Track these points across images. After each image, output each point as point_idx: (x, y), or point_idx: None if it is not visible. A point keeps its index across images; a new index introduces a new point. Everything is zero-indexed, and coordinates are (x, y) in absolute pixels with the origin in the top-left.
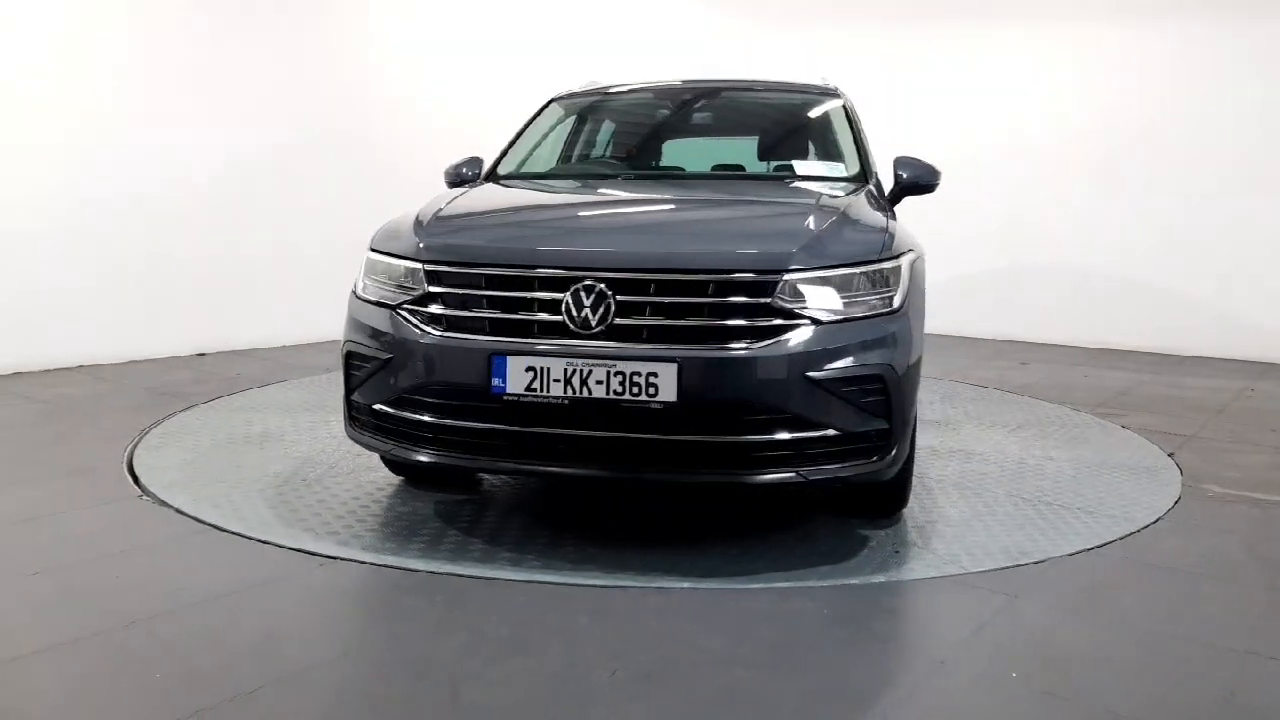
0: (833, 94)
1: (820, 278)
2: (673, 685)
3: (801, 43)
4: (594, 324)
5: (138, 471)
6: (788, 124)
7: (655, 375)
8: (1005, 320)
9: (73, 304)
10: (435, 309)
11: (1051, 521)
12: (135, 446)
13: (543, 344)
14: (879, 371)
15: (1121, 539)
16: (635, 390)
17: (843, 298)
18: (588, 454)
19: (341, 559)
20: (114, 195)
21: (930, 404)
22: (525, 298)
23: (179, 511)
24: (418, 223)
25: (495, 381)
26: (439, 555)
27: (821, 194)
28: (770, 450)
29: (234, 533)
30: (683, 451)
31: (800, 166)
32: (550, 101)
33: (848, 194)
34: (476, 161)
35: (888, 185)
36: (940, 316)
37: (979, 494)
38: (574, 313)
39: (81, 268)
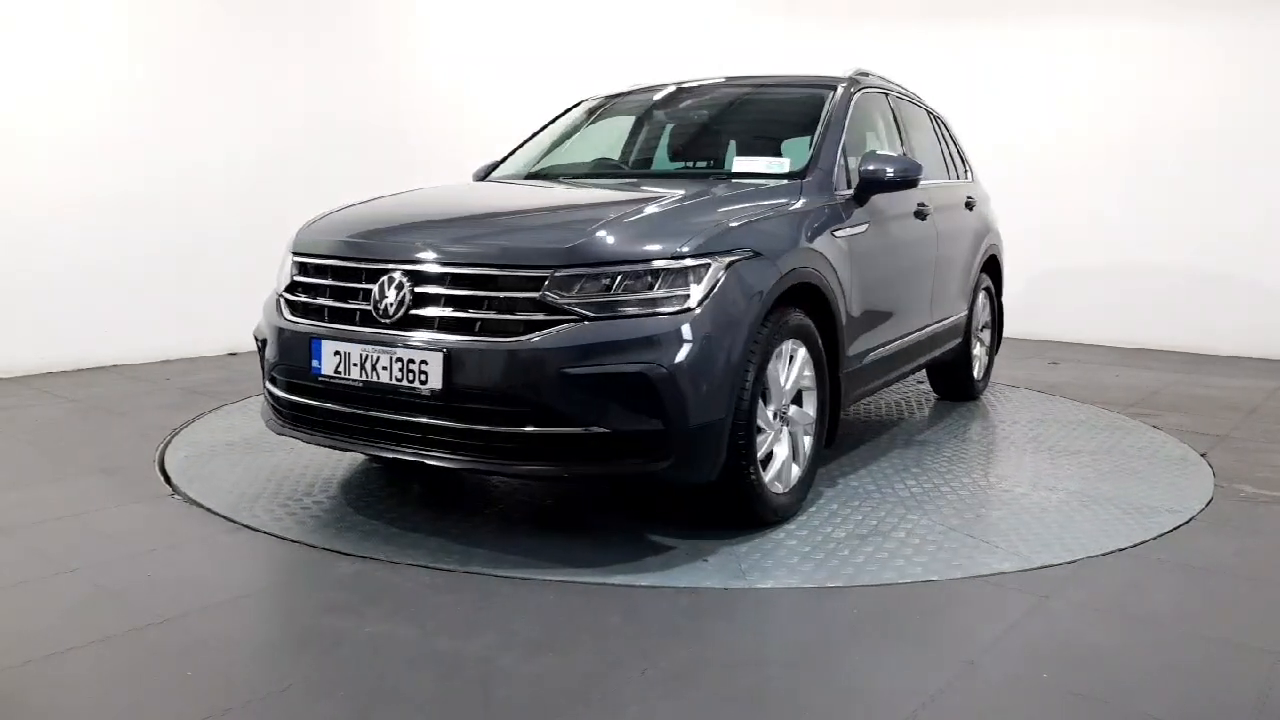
0: (828, 85)
1: (593, 274)
2: (704, 684)
3: (834, 40)
4: (392, 313)
5: (169, 470)
6: (768, 119)
7: (426, 363)
8: (1035, 320)
9: (105, 303)
10: (292, 296)
11: (911, 554)
12: (166, 445)
13: (345, 330)
14: (644, 371)
15: (1155, 539)
16: (410, 377)
17: (616, 295)
18: (379, 435)
19: (371, 557)
20: (145, 195)
21: (1014, 423)
22: (350, 287)
23: (210, 510)
24: (309, 219)
25: (314, 363)
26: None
27: (701, 189)
28: (534, 443)
29: (264, 531)
30: (451, 437)
31: (741, 162)
32: (576, 104)
33: (752, 189)
34: (498, 165)
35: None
36: None
37: (895, 518)
38: (378, 302)
39: (113, 267)
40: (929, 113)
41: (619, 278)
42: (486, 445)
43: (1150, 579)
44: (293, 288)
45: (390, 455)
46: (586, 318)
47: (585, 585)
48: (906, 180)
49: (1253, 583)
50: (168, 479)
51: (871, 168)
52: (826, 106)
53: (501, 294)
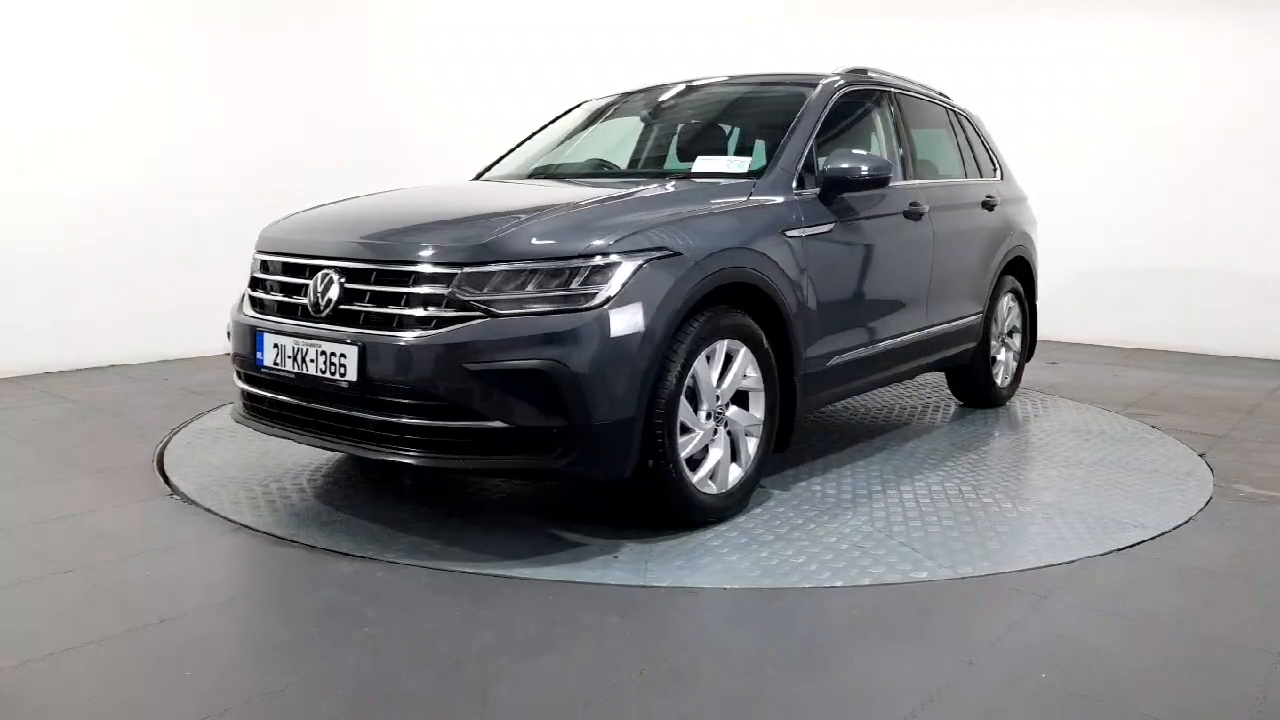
0: (809, 84)
1: (499, 272)
2: (702, 685)
3: (843, 39)
4: (322, 308)
5: (168, 470)
6: (748, 119)
7: (344, 356)
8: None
9: (105, 303)
10: (252, 292)
11: (831, 559)
12: (165, 445)
13: (283, 324)
14: (542, 367)
15: (1153, 539)
16: (332, 369)
17: (522, 293)
18: (308, 424)
19: (369, 558)
20: (145, 195)
21: (1025, 432)
22: (294, 283)
23: (208, 510)
24: (276, 219)
25: (258, 355)
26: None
27: (633, 189)
28: (437, 435)
29: (263, 531)
30: (365, 428)
31: (702, 162)
32: (576, 105)
33: (690, 190)
34: (491, 167)
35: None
36: None
37: (836, 523)
38: (312, 297)
39: (112, 268)
40: (951, 110)
41: (525, 275)
42: (399, 437)
43: (1149, 579)
44: (253, 283)
45: (320, 445)
46: (492, 314)
47: (584, 585)
48: (876, 179)
49: (1251, 582)
50: (166, 479)
51: (836, 166)
52: (806, 105)
53: (416, 290)
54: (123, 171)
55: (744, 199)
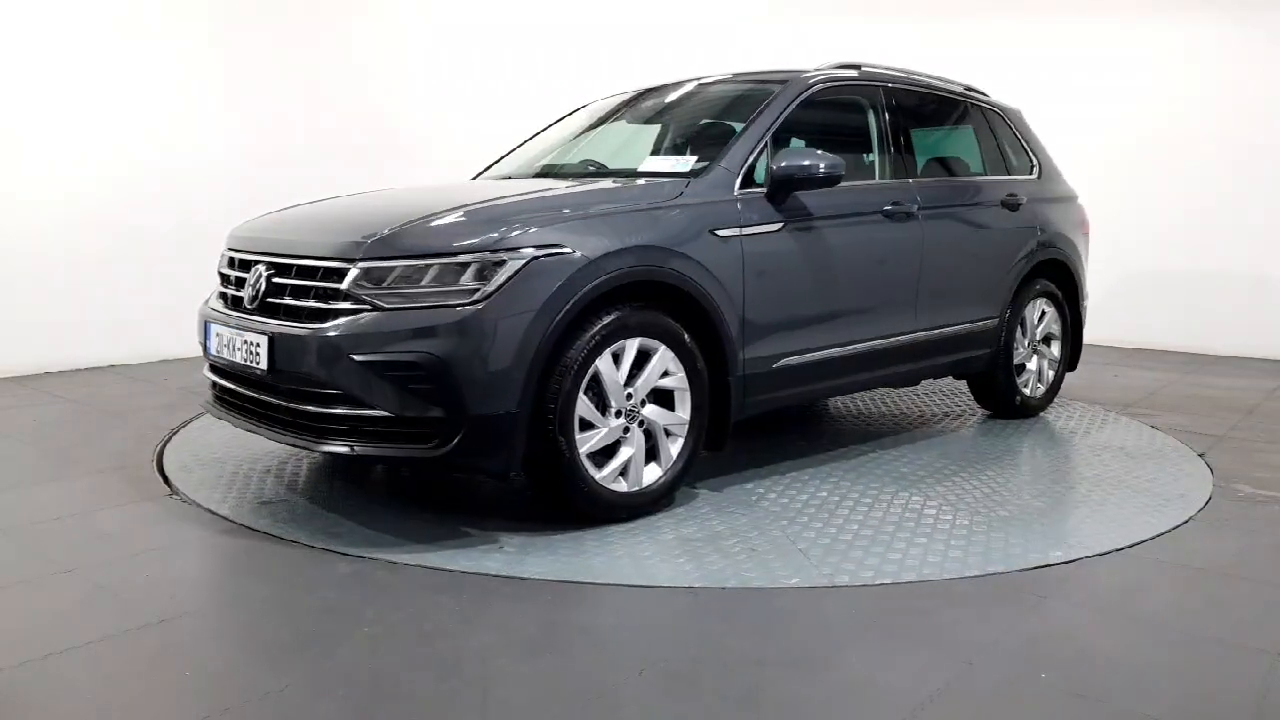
0: (780, 81)
1: (391, 267)
2: (701, 685)
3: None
4: (254, 301)
5: (167, 470)
6: (723, 117)
7: (258, 346)
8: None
9: (104, 303)
10: (220, 286)
11: (714, 559)
12: (165, 445)
13: (224, 315)
14: (420, 360)
15: (1153, 539)
16: (250, 358)
17: (407, 288)
18: (240, 409)
19: (368, 558)
20: (145, 195)
21: (1035, 444)
22: (240, 277)
23: (208, 510)
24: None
25: (208, 344)
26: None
27: (542, 188)
28: (331, 423)
29: (262, 531)
30: (275, 413)
31: (650, 162)
32: (579, 107)
33: (608, 189)
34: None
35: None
36: None
37: (748, 527)
38: (248, 291)
39: (112, 268)
40: (977, 106)
41: (414, 271)
42: (303, 423)
43: (1148, 579)
44: (220, 278)
45: (251, 430)
46: (380, 308)
47: (582, 586)
48: (828, 178)
49: (1251, 583)
50: (166, 479)
51: (781, 165)
52: (766, 104)
53: (322, 284)
54: (122, 171)
55: (672, 198)
